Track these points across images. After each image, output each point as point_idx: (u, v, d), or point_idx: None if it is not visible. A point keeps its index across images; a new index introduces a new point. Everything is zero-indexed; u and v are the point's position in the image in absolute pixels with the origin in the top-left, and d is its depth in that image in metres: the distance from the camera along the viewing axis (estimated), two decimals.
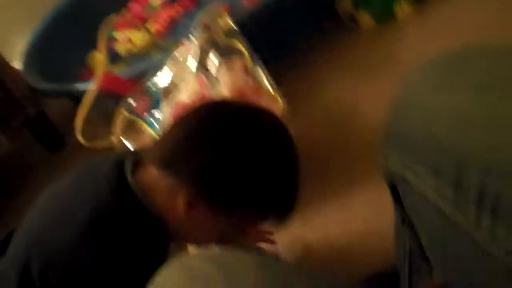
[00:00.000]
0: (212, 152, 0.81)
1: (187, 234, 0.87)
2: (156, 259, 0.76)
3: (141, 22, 2.05)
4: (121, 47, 1.94)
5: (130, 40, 1.97)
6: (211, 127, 0.84)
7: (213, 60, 1.29)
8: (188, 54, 1.34)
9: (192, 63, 1.32)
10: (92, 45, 2.05)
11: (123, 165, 0.83)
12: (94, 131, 1.42)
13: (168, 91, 1.34)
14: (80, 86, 1.63)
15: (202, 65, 1.30)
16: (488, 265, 0.38)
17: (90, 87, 1.39)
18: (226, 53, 1.28)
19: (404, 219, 0.59)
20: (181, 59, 1.36)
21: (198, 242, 0.91)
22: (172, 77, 1.35)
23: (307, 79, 1.55)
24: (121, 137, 1.34)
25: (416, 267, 0.67)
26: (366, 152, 1.23)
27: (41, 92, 1.76)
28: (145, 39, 1.92)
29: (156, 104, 1.34)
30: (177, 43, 1.44)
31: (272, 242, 1.12)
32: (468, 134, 0.41)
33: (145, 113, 1.34)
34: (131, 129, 1.35)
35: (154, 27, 1.99)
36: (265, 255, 1.09)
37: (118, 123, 1.36)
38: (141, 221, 0.80)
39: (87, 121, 1.38)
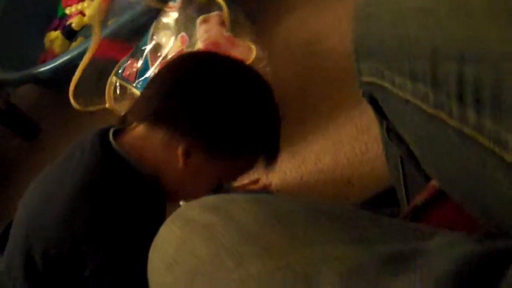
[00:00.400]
0: (204, 98, 0.82)
1: (182, 188, 0.87)
2: (153, 219, 0.77)
3: None
4: (74, 21, 1.89)
5: (81, 12, 1.92)
6: (198, 75, 0.85)
7: (194, 17, 1.30)
8: (173, 16, 1.36)
9: (176, 23, 1.33)
10: (44, 28, 2.01)
11: (107, 132, 0.84)
12: (88, 96, 1.40)
13: (155, 54, 1.33)
14: (43, 68, 1.60)
15: (185, 23, 1.31)
16: (478, 160, 0.37)
17: (85, 55, 1.37)
18: (206, 9, 1.31)
19: (390, 131, 0.59)
20: (166, 21, 1.37)
21: (193, 195, 0.90)
22: (158, 40, 1.36)
23: (271, 15, 1.54)
24: (112, 103, 1.33)
25: (410, 178, 0.68)
26: (343, 77, 1.25)
27: (5, 82, 1.72)
28: (94, 6, 1.87)
29: (144, 69, 1.33)
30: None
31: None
32: (438, 26, 0.40)
33: (134, 78, 1.34)
34: (123, 94, 1.34)
35: None
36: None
37: (109, 89, 1.34)
38: (130, 181, 0.80)
39: (81, 85, 1.36)
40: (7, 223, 0.89)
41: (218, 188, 1.09)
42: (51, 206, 0.79)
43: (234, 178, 0.95)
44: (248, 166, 0.92)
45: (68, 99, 1.84)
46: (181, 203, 0.97)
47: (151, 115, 0.84)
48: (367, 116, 1.14)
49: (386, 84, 0.48)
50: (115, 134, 0.84)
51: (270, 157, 0.92)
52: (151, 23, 1.42)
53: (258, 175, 1.21)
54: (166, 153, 0.82)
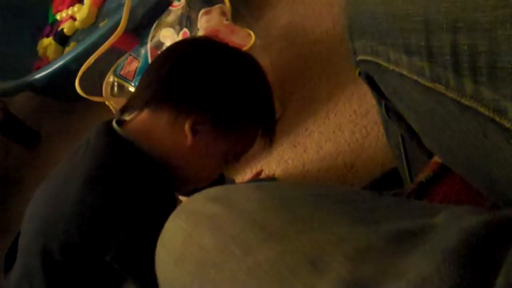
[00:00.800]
0: (203, 74, 0.84)
1: (191, 168, 0.87)
2: (166, 195, 0.81)
3: None
4: (66, 27, 1.89)
5: (72, 17, 1.92)
6: (193, 54, 0.87)
7: (197, 14, 1.32)
8: (175, 14, 1.37)
9: (179, 21, 1.35)
10: (36, 35, 2.02)
11: (110, 122, 0.84)
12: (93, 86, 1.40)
13: (156, 51, 1.34)
14: (38, 75, 1.60)
15: (188, 20, 1.33)
16: (478, 130, 0.37)
17: (104, 44, 1.37)
18: (209, 2, 1.32)
19: (388, 109, 0.59)
20: (169, 20, 1.38)
21: (202, 177, 0.91)
22: (160, 37, 1.37)
23: (268, 3, 1.55)
24: (110, 100, 1.33)
25: (412, 156, 0.68)
26: (339, 61, 1.25)
27: (1, 92, 1.72)
28: (85, 10, 1.87)
29: (144, 66, 1.34)
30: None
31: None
32: None
33: (133, 76, 1.34)
34: (121, 92, 1.34)
35: None
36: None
37: (106, 88, 1.35)
38: (140, 162, 0.81)
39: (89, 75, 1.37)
40: (13, 239, 0.89)
41: (221, 180, 1.10)
42: (64, 197, 0.78)
43: (239, 158, 0.95)
44: (250, 142, 0.93)
45: (67, 104, 1.85)
46: (181, 198, 0.98)
47: (152, 98, 0.84)
48: (366, 101, 1.13)
49: (381, 61, 0.48)
50: (119, 124, 0.85)
51: (268, 131, 0.93)
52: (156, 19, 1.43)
53: (261, 167, 1.22)
54: (173, 133, 0.83)
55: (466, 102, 0.37)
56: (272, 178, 1.17)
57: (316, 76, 1.27)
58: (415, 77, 0.42)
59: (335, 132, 1.15)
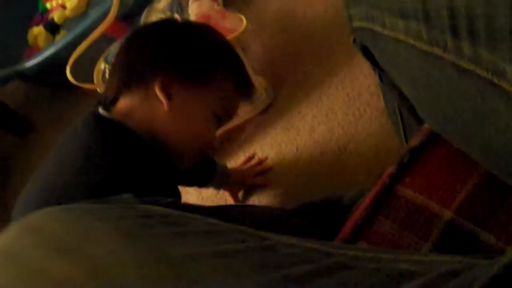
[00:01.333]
0: (159, 39, 0.88)
1: (181, 135, 0.87)
2: (160, 171, 0.82)
3: None
4: (56, 15, 1.88)
5: (62, 5, 1.91)
6: (147, 28, 0.94)
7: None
8: (166, 0, 1.39)
9: (169, 7, 1.36)
10: (26, 24, 2.00)
11: (97, 110, 0.85)
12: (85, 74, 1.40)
13: None
14: (29, 63, 1.59)
15: (179, 6, 1.33)
16: (476, 93, 0.37)
17: (94, 31, 1.37)
18: None
19: (384, 79, 0.59)
20: (159, 6, 1.39)
21: (195, 140, 0.90)
22: None
23: None
24: (101, 87, 1.33)
25: (408, 122, 0.68)
26: (331, 45, 1.25)
27: None
28: None
29: None
30: None
31: (266, 170, 1.17)
32: None
33: None
34: None
35: None
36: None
37: (97, 75, 1.34)
38: (129, 140, 0.81)
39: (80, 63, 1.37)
40: None
41: (212, 166, 1.11)
42: (58, 185, 0.79)
43: (229, 113, 0.95)
44: (227, 92, 0.92)
45: (59, 92, 1.85)
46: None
47: (121, 80, 0.86)
48: (358, 83, 1.14)
49: (377, 27, 0.48)
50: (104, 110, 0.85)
51: (240, 79, 0.95)
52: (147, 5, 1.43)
53: (254, 150, 1.22)
54: (151, 105, 0.84)
55: (465, 65, 0.37)
56: (265, 170, 1.18)
57: (308, 60, 1.28)
58: (412, 41, 0.42)
59: (328, 115, 1.15)
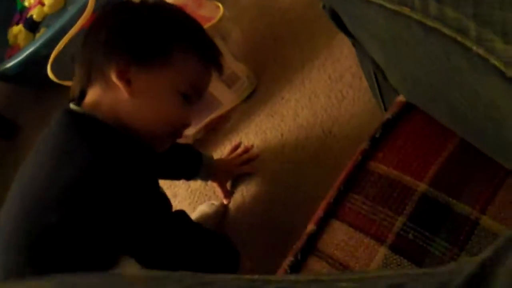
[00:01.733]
0: (112, 24, 0.85)
1: (151, 119, 0.85)
2: (139, 168, 0.80)
3: None
4: (35, 13, 1.86)
5: (40, 2, 1.89)
6: (104, 18, 0.89)
7: None
8: None
9: None
10: (5, 24, 1.98)
11: (68, 106, 0.84)
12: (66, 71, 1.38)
13: None
14: (9, 63, 1.58)
15: None
16: (442, 52, 0.37)
17: (73, 27, 1.35)
18: None
19: (356, 45, 0.59)
20: None
21: (165, 123, 0.87)
22: None
23: None
24: None
25: (385, 88, 0.68)
26: (310, 28, 1.24)
27: None
28: None
29: None
30: None
31: (252, 158, 1.17)
32: None
33: None
34: None
35: None
36: None
37: None
38: (101, 132, 0.80)
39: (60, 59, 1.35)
40: None
41: (198, 157, 1.10)
42: (37, 184, 0.78)
43: (198, 91, 0.92)
44: (192, 68, 0.89)
45: (42, 92, 1.83)
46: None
47: (84, 76, 0.85)
48: (340, 65, 1.13)
49: None
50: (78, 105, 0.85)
51: (204, 52, 0.91)
52: None
53: (240, 139, 1.21)
54: (112, 94, 0.82)
55: (430, 24, 0.37)
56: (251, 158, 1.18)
57: (288, 44, 1.26)
58: (381, 1, 0.42)
59: (311, 99, 1.14)
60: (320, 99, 1.13)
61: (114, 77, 0.81)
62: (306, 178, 1.06)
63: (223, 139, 1.25)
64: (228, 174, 1.17)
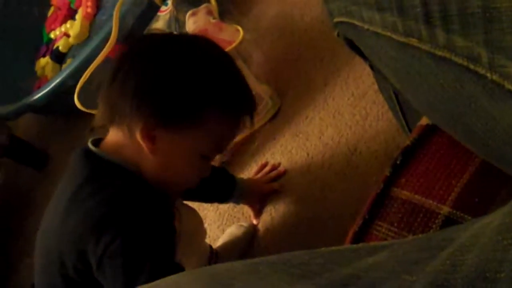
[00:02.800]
0: (138, 74, 0.79)
1: (169, 175, 0.84)
2: (151, 205, 0.79)
3: (68, 12, 2.00)
4: (61, 44, 1.90)
5: (66, 34, 1.93)
6: (128, 61, 0.82)
7: (184, 14, 1.31)
8: (164, 19, 1.39)
9: (168, 25, 1.37)
10: (32, 56, 2.03)
11: (87, 145, 0.84)
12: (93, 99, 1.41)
13: None
14: (37, 95, 1.61)
15: (177, 23, 1.35)
16: (454, 80, 0.37)
17: (98, 57, 1.38)
18: (195, 3, 1.32)
19: (374, 68, 0.59)
20: (158, 26, 1.40)
21: (185, 179, 0.88)
22: None
23: None
24: None
25: (407, 106, 0.67)
26: (332, 46, 1.24)
27: (3, 117, 1.73)
28: (77, 26, 1.88)
29: None
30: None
31: (281, 175, 1.16)
32: None
33: None
34: None
35: (82, 11, 1.94)
36: None
37: None
38: (118, 176, 0.80)
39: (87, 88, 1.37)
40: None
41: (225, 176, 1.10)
42: (55, 224, 0.80)
43: (220, 148, 0.89)
44: (223, 129, 0.86)
45: (70, 121, 1.86)
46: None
47: (105, 116, 0.83)
48: (362, 81, 1.13)
49: (356, 21, 0.47)
50: (96, 145, 0.84)
51: (239, 111, 0.86)
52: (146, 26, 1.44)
53: (266, 159, 1.22)
54: (135, 145, 0.80)
55: (440, 53, 0.37)
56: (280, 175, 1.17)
57: (310, 63, 1.27)
58: (389, 34, 0.42)
59: (335, 117, 1.14)
60: (344, 116, 1.12)
61: (138, 135, 0.78)
62: (333, 196, 1.05)
63: (250, 160, 1.25)
64: (258, 194, 1.17)
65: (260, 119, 1.25)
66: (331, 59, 1.22)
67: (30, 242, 1.53)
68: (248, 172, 1.24)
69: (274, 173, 1.17)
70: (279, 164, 1.19)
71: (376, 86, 1.09)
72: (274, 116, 1.26)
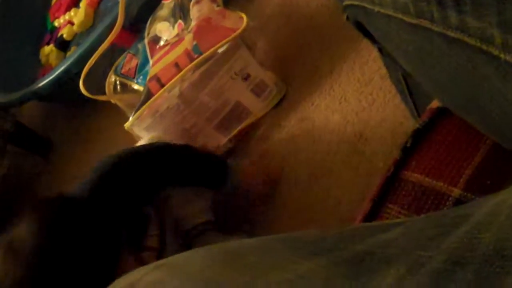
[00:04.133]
0: None
1: None
2: None
3: (72, 0, 2.00)
4: (65, 32, 1.89)
5: (70, 22, 1.92)
6: None
7: (189, 2, 1.31)
8: (168, 7, 1.37)
9: (172, 13, 1.35)
10: (37, 44, 2.03)
11: None
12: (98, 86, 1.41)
13: (154, 46, 1.34)
14: (42, 83, 1.61)
15: (181, 11, 1.32)
16: (467, 62, 0.37)
17: (103, 43, 1.37)
18: None
19: (383, 51, 0.58)
20: (162, 14, 1.38)
21: None
22: (156, 32, 1.36)
23: None
24: (114, 98, 1.34)
25: (416, 89, 0.67)
26: (337, 32, 1.23)
27: (8, 104, 1.73)
28: (82, 13, 1.88)
29: (144, 62, 1.33)
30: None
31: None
32: None
33: (134, 73, 1.34)
34: (124, 90, 1.35)
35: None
36: None
37: (108, 87, 1.36)
38: None
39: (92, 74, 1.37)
40: None
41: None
42: None
43: None
44: None
45: (74, 108, 1.87)
46: None
47: None
48: (368, 68, 1.12)
49: (366, 4, 0.47)
50: None
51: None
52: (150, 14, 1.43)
53: (271, 147, 1.21)
54: None
55: (452, 34, 0.37)
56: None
57: (315, 49, 1.26)
58: (400, 16, 0.42)
59: (341, 103, 1.14)
60: (350, 103, 1.12)
61: None
62: (339, 183, 1.05)
63: (254, 146, 1.25)
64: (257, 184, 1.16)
65: (264, 106, 1.25)
66: (337, 46, 1.21)
67: None
68: (253, 158, 1.24)
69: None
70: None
71: (382, 72, 1.09)
72: (279, 103, 1.25)
